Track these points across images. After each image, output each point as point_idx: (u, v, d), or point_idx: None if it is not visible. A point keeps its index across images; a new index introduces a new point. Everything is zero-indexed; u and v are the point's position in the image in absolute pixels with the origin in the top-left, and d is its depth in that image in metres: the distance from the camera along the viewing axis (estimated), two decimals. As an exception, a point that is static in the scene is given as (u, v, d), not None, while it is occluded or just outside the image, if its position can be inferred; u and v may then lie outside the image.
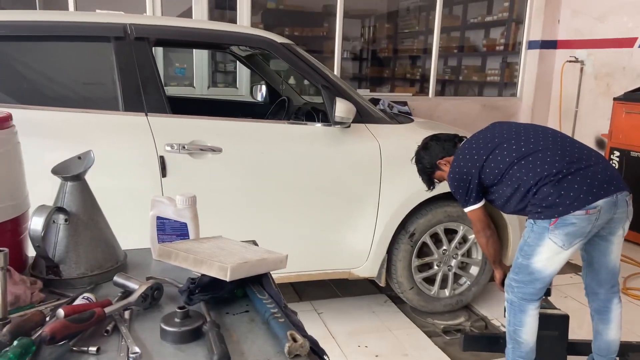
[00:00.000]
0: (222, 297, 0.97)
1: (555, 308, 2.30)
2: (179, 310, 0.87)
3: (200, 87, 4.77)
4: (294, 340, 0.81)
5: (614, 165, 4.18)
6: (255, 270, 1.00)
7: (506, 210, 2.07)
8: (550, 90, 6.00)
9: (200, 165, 2.32)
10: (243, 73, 4.99)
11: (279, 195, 2.50)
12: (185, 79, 4.94)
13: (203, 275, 0.96)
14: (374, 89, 6.51)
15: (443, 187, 2.42)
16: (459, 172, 2.04)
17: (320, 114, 2.91)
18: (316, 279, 2.69)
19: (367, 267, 2.69)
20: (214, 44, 3.28)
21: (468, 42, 6.89)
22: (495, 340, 2.34)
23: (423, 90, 6.22)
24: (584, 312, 2.89)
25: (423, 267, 2.84)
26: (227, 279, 0.92)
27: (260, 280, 1.02)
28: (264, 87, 3.78)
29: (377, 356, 2.43)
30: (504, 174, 1.95)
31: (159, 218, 1.17)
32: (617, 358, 2.18)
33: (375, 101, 5.21)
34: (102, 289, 1.04)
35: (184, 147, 2.28)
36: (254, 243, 1.28)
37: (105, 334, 0.86)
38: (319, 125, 2.60)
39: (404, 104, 5.52)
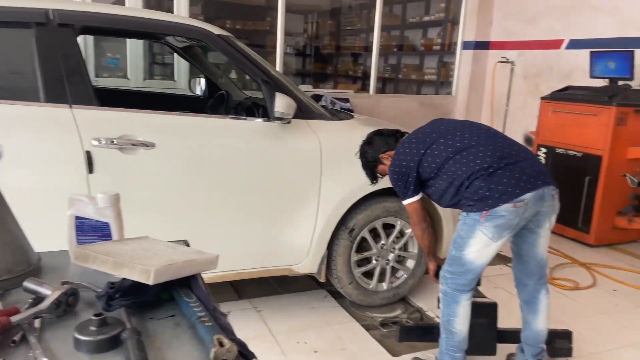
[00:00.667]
0: (146, 302, 0.91)
1: (485, 297, 2.38)
2: (94, 318, 0.80)
3: (135, 78, 4.57)
4: (221, 344, 0.77)
5: (541, 161, 4.40)
6: (182, 272, 0.94)
7: (442, 203, 2.12)
8: (483, 89, 6.24)
9: (131, 161, 2.21)
10: (182, 65, 4.83)
11: (216, 193, 2.43)
12: (118, 69, 4.71)
13: (124, 278, 0.89)
14: (317, 85, 6.51)
15: (381, 183, 2.45)
16: (398, 166, 2.09)
17: (260, 110, 2.85)
18: (256, 276, 2.64)
19: (308, 263, 2.67)
20: (145, 33, 3.13)
21: (407, 41, 7.03)
22: (429, 331, 2.40)
23: (365, 88, 6.29)
24: (513, 302, 3.02)
25: (362, 262, 2.86)
26: (150, 283, 0.86)
27: (189, 283, 0.97)
28: (202, 81, 3.67)
29: (316, 352, 2.43)
30: (440, 168, 2.00)
31: (77, 218, 1.08)
32: (545, 346, 2.29)
33: (317, 97, 5.20)
34: (12, 296, 0.95)
35: (112, 142, 2.16)
36: (185, 243, 1.22)
37: (12, 345, 0.78)
38: (259, 120, 2.55)
39: (346, 100, 5.55)
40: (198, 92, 3.73)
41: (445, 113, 6.25)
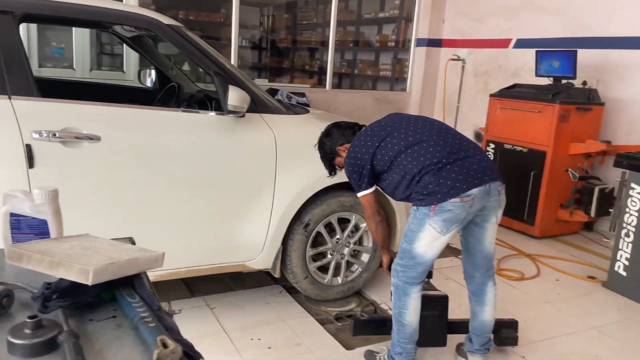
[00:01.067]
0: (86, 303, 0.87)
1: (436, 289, 2.44)
2: (29, 320, 0.75)
3: (82, 69, 4.39)
4: (164, 346, 0.74)
5: (490, 156, 4.54)
6: (124, 272, 0.90)
7: (395, 197, 2.15)
8: (435, 86, 6.37)
9: (75, 156, 2.12)
10: (131, 56, 4.67)
11: (167, 188, 2.37)
12: (64, 60, 4.50)
13: (61, 278, 0.84)
14: (274, 79, 6.46)
15: (336, 178, 2.46)
16: (353, 158, 2.12)
17: (213, 103, 2.80)
18: (209, 273, 2.59)
19: (262, 259, 2.64)
20: (91, 22, 2.99)
21: (363, 37, 7.08)
22: (382, 324, 2.43)
23: (322, 82, 6.29)
24: (463, 293, 3.10)
25: (317, 257, 2.86)
26: (89, 283, 0.82)
27: (132, 282, 0.93)
28: (153, 72, 3.57)
29: (270, 348, 2.41)
30: (393, 162, 2.04)
31: (12, 215, 1.02)
32: (492, 335, 2.36)
33: (273, 92, 5.16)
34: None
35: (54, 135, 2.06)
36: (131, 241, 1.18)
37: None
38: (212, 114, 2.49)
39: (303, 95, 5.54)
40: (148, 83, 3.62)
41: (399, 109, 6.34)
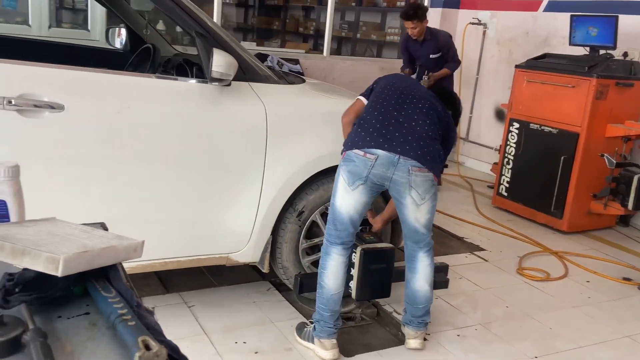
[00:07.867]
0: (54, 297, 0.87)
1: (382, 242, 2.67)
2: (-13, 317, 0.76)
3: (38, 26, 4.35)
4: (147, 348, 0.75)
5: (513, 137, 4.55)
6: (99, 262, 0.91)
7: None
8: (452, 54, 6.33)
9: (34, 127, 2.11)
10: (97, 12, 4.63)
11: (139, 167, 2.37)
12: (17, 14, 4.46)
13: (25, 269, 0.85)
14: (262, 43, 6.42)
15: (336, 160, 2.47)
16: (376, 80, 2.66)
17: (194, 68, 2.78)
18: (187, 266, 2.60)
19: (248, 251, 2.66)
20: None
21: (367, -5, 7.04)
22: None
23: (317, 48, 6.26)
24: (478, 295, 3.15)
25: (312, 250, 2.88)
26: (59, 274, 0.82)
27: (107, 274, 0.94)
28: (123, 31, 3.55)
29: (256, 353, 2.44)
30: (371, 102, 2.48)
31: (-35, 194, 1.02)
32: (428, 312, 2.53)
33: (262, 57, 5.14)
34: None
35: (10, 102, 2.04)
36: (103, 226, 1.18)
37: None
38: (192, 81, 2.49)
39: (296, 62, 5.52)
40: (118, 45, 3.61)
41: (409, 80, 6.30)
